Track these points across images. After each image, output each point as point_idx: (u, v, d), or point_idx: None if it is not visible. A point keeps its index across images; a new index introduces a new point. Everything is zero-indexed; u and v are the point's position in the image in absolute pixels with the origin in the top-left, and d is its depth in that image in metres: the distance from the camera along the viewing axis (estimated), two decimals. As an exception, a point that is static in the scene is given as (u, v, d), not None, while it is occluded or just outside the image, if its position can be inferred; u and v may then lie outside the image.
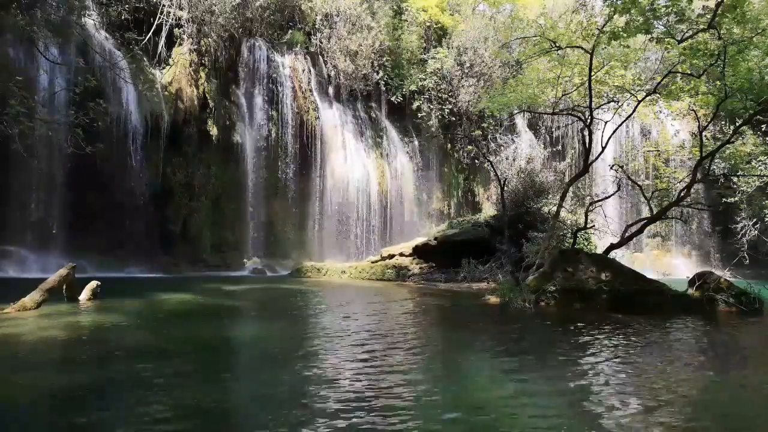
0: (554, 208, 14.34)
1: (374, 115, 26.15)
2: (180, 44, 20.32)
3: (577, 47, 12.35)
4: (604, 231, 14.62)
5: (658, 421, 3.68)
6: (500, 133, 26.80)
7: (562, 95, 14.16)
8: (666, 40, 11.15)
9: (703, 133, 12.64)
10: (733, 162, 15.66)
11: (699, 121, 13.23)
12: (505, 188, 14.10)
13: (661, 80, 12.55)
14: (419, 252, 18.07)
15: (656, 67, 16.05)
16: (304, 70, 23.50)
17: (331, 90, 24.78)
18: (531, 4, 25.10)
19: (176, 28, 20.16)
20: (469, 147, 26.62)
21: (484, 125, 26.66)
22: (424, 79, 26.22)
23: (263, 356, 5.82)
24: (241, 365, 5.53)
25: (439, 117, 26.50)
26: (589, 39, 11.82)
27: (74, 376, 4.56)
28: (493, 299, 10.73)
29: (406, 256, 18.20)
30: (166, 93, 19.43)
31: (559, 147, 28.42)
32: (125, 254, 17.00)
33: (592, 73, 11.82)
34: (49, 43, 14.94)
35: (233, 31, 21.73)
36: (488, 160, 17.18)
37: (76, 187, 16.31)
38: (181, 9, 20.12)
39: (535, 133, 28.87)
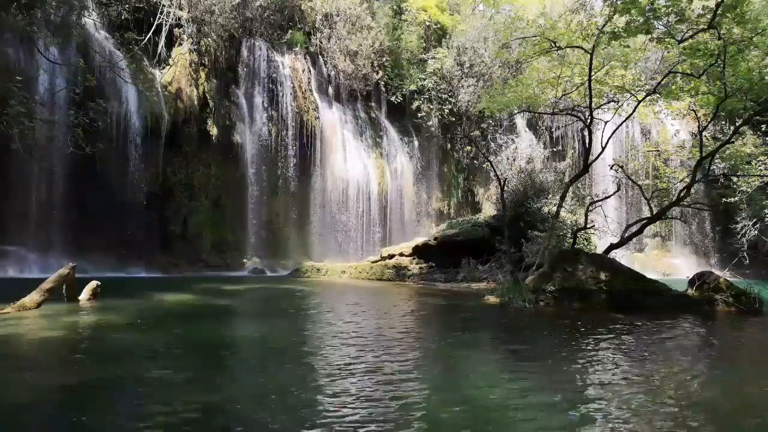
0: (554, 208, 14.33)
1: (374, 115, 26.15)
2: (180, 44, 20.33)
3: (577, 47, 12.35)
4: (604, 231, 14.63)
5: (659, 422, 3.68)
6: (500, 133, 26.78)
7: (562, 95, 14.14)
8: (666, 40, 11.17)
9: (703, 133, 12.64)
10: (733, 162, 15.64)
11: (699, 121, 13.24)
12: (505, 188, 14.08)
13: (661, 80, 12.56)
14: (419, 252, 18.07)
15: (656, 67, 16.06)
16: (304, 70, 23.50)
17: (330, 90, 24.77)
18: (531, 4, 25.08)
19: (176, 28, 20.17)
20: (469, 147, 26.61)
21: (484, 125, 26.64)
22: (424, 79, 26.22)
23: (263, 356, 5.83)
24: (241, 365, 5.52)
25: (439, 117, 26.50)
26: (589, 39, 11.82)
27: (74, 376, 4.56)
28: (493, 299, 10.73)
29: (406, 256, 18.20)
30: (166, 93, 19.43)
31: (559, 147, 28.38)
32: (125, 254, 17.00)
33: (592, 73, 11.82)
34: (49, 43, 14.93)
35: (233, 31, 21.73)
36: (488, 160, 17.16)
37: (76, 187, 16.32)
38: (181, 9, 20.13)
39: (535, 133, 28.85)
